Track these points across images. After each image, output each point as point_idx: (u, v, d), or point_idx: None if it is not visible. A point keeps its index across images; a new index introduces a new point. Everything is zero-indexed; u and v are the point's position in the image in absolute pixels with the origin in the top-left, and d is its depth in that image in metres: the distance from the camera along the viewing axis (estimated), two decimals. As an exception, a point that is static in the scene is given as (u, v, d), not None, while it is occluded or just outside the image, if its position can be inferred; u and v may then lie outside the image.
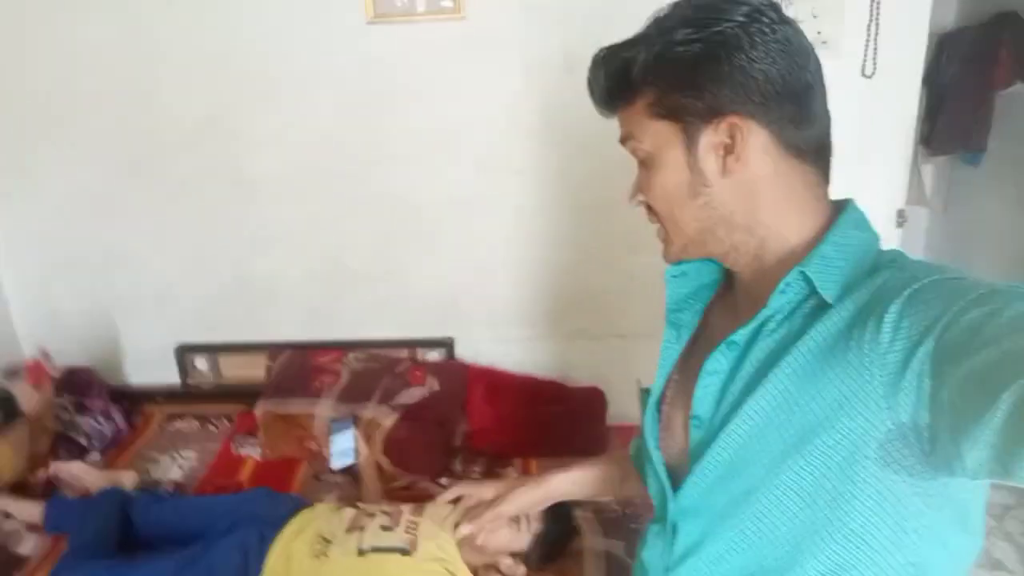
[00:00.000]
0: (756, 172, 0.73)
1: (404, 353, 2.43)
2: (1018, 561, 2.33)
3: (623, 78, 0.76)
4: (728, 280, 0.88)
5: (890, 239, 2.23)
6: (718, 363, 0.77)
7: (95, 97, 2.22)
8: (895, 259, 0.73)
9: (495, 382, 2.34)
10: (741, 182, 0.74)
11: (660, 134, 0.75)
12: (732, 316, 0.82)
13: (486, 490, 1.23)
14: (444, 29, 2.11)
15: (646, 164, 0.78)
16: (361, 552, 1.65)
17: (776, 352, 0.72)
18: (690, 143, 0.74)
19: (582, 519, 1.87)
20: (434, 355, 2.44)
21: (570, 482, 1.17)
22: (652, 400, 0.89)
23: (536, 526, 1.69)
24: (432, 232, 2.33)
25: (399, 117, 2.20)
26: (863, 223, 0.77)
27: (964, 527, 0.70)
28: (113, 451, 2.28)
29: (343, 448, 2.13)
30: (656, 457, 0.86)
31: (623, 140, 0.79)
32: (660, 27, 0.74)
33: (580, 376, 2.37)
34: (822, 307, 0.70)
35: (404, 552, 1.64)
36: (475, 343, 2.42)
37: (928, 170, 3.71)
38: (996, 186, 3.30)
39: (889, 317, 0.62)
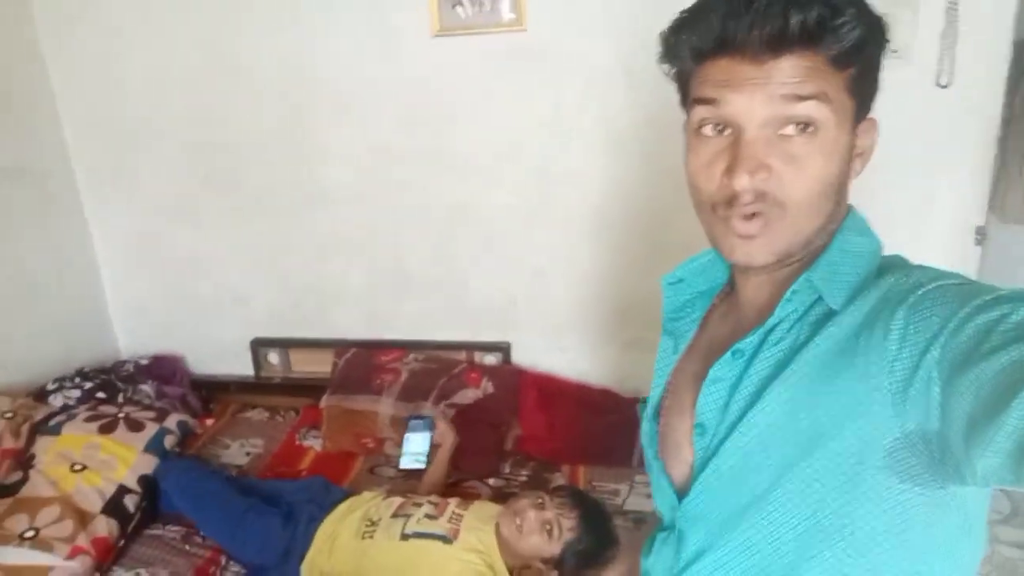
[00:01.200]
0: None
1: (462, 355, 2.49)
2: None
3: (855, 27, 0.63)
4: (729, 286, 0.86)
5: (968, 258, 2.11)
6: (724, 371, 0.75)
7: (183, 115, 2.40)
8: (897, 264, 0.71)
9: (548, 388, 2.36)
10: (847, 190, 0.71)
11: (846, 112, 0.66)
12: (733, 323, 0.81)
13: None
14: (506, 41, 2.16)
15: (812, 138, 0.65)
16: (404, 536, 1.73)
17: (783, 360, 0.70)
18: (853, 134, 0.69)
19: (622, 528, 1.86)
20: (491, 359, 2.49)
21: None
22: (650, 410, 0.88)
23: (568, 535, 1.70)
24: (491, 238, 2.38)
25: (461, 127, 2.27)
26: (865, 228, 0.75)
27: (968, 534, 0.69)
28: (189, 437, 2.43)
29: (416, 450, 2.19)
30: (657, 467, 0.85)
31: (809, 96, 0.64)
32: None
33: (633, 386, 2.36)
34: (828, 315, 0.68)
35: (445, 540, 1.71)
36: (531, 349, 2.46)
37: (1034, 186, 3.46)
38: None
39: (895, 324, 0.60)
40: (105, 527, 1.89)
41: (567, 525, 1.71)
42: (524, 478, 2.18)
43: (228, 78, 2.33)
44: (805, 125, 0.65)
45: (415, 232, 2.41)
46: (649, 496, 2.08)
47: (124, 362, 2.57)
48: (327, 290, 2.53)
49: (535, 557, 1.72)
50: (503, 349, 2.46)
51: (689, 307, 0.88)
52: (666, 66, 0.75)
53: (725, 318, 0.84)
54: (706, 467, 0.75)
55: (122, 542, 1.92)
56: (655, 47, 2.25)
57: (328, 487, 2.05)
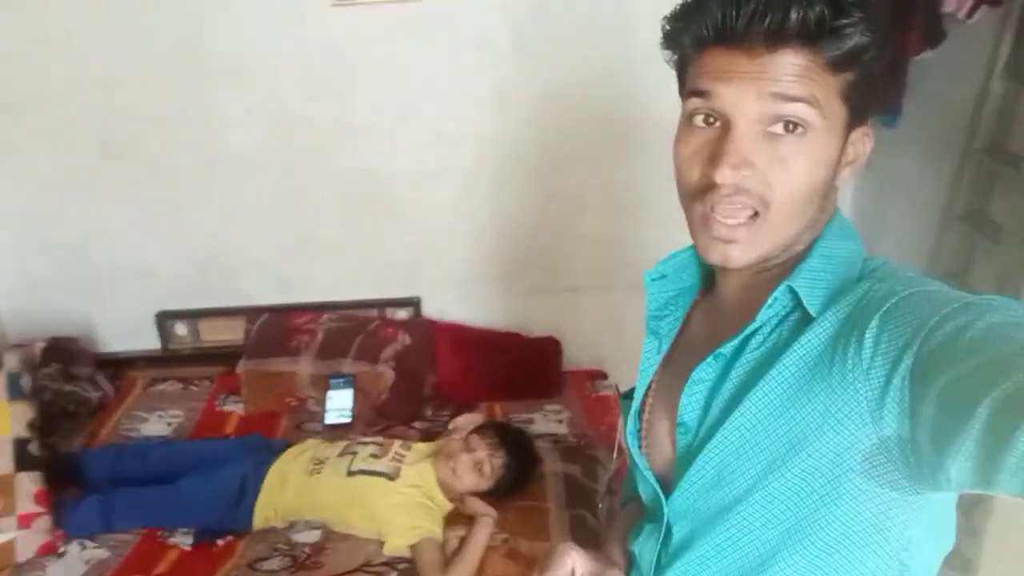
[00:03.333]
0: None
1: (375, 313, 2.62)
2: None
3: (857, 31, 0.63)
4: (708, 283, 0.86)
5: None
6: (705, 373, 0.76)
7: (67, 82, 2.31)
8: (877, 269, 0.72)
9: (460, 336, 2.55)
10: (834, 194, 0.71)
11: (838, 118, 0.67)
12: (715, 322, 0.82)
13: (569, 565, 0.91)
14: (402, 10, 2.26)
15: (801, 141, 0.66)
16: (351, 473, 1.89)
17: (762, 364, 0.71)
18: (845, 141, 0.69)
19: (542, 449, 2.11)
20: (402, 314, 2.63)
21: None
22: (634, 407, 0.87)
23: (500, 471, 1.91)
24: (395, 200, 2.50)
25: (361, 94, 2.37)
26: (849, 233, 0.75)
27: (940, 533, 0.73)
28: (102, 415, 2.42)
29: (340, 406, 2.34)
30: (642, 462, 0.85)
31: (798, 99, 0.64)
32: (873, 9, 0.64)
33: (537, 328, 2.60)
34: (807, 320, 0.69)
35: (388, 477, 1.88)
36: (440, 301, 2.63)
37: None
38: (910, 147, 3.59)
39: (870, 332, 0.61)
40: (34, 480, 1.87)
41: (497, 463, 1.91)
42: (446, 419, 2.37)
43: (116, 42, 2.27)
44: (795, 125, 0.65)
45: (320, 196, 2.49)
46: (559, 420, 2.35)
47: (18, 347, 2.47)
48: (234, 257, 2.56)
49: (472, 492, 1.92)
50: (414, 303, 2.62)
51: (672, 305, 0.87)
52: (666, 53, 0.74)
53: (707, 316, 0.86)
54: (690, 466, 0.76)
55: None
56: (543, 16, 2.46)
57: (268, 441, 2.15)
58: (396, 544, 1.78)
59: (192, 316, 2.63)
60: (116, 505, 1.92)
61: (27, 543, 1.80)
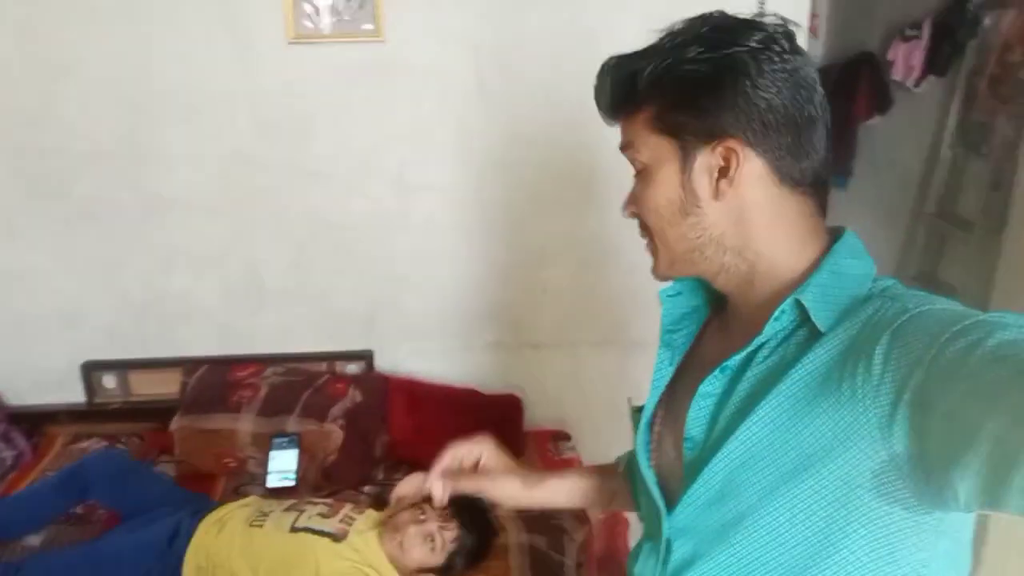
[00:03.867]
0: (748, 198, 0.73)
1: (323, 366, 2.46)
2: None
3: (629, 88, 0.76)
4: (722, 302, 0.88)
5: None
6: (711, 387, 0.77)
7: (-5, 114, 2.15)
8: (887, 288, 0.72)
9: (415, 392, 2.41)
10: (733, 206, 0.74)
11: (658, 148, 0.76)
12: (725, 339, 0.83)
13: (482, 448, 1.09)
14: (364, 51, 2.18)
15: (642, 176, 0.79)
16: (294, 529, 1.76)
17: (768, 379, 0.72)
18: (686, 162, 0.74)
19: (504, 519, 1.97)
20: (353, 368, 2.48)
21: (565, 490, 1.11)
22: (644, 420, 0.88)
23: (452, 546, 1.76)
24: (350, 248, 2.38)
25: (318, 135, 2.26)
26: (859, 252, 0.76)
27: (954, 562, 0.71)
28: (14, 475, 2.19)
29: (284, 468, 2.16)
30: (649, 476, 0.86)
31: (623, 147, 0.79)
32: (672, 42, 0.73)
33: (496, 384, 2.48)
34: (815, 336, 0.70)
35: (334, 539, 1.74)
36: (394, 355, 2.49)
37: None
38: (860, 205, 3.68)
39: (880, 349, 0.62)
40: None
41: (449, 536, 1.76)
42: (399, 481, 2.21)
43: (51, 74, 2.13)
44: (637, 170, 0.80)
45: (270, 242, 2.35)
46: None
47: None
48: (173, 306, 2.38)
49: (421, 569, 1.77)
50: (366, 357, 2.47)
51: (687, 320, 0.90)
52: None
53: (718, 332, 0.87)
54: (695, 481, 0.76)
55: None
56: (508, 64, 2.41)
57: (206, 498, 1.99)
58: None
59: (122, 367, 2.43)
60: (23, 571, 1.71)
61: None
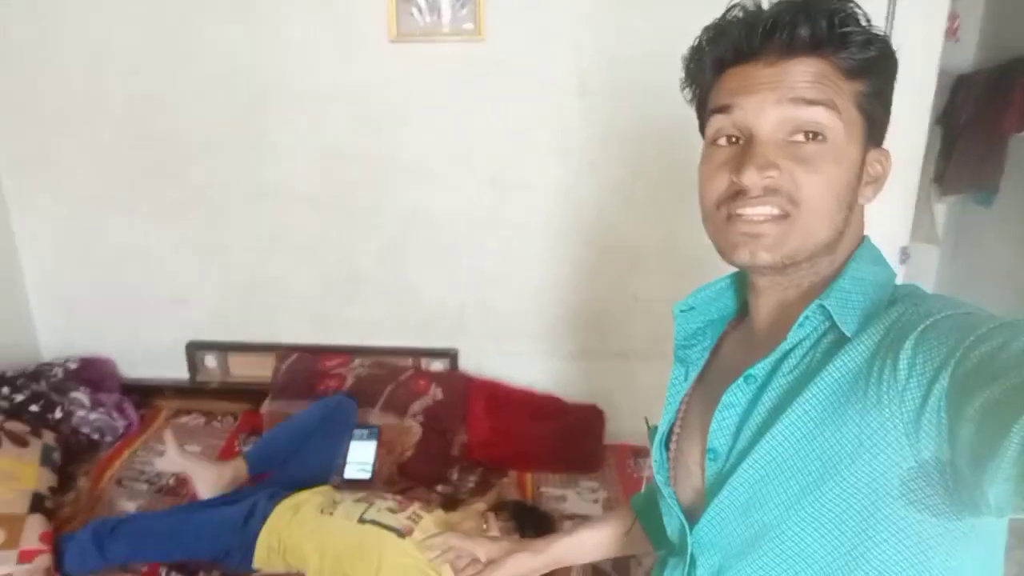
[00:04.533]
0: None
1: (409, 362, 2.48)
2: None
3: (864, 41, 0.67)
4: (741, 314, 0.87)
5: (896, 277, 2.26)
6: (736, 397, 0.74)
7: (120, 100, 2.30)
8: (910, 293, 0.71)
9: (496, 395, 2.38)
10: (861, 212, 0.74)
11: (854, 126, 0.69)
12: (747, 350, 0.81)
13: (479, 548, 1.09)
14: (463, 50, 2.17)
15: (820, 147, 0.68)
16: (362, 520, 1.78)
17: (795, 387, 0.70)
18: (865, 155, 0.71)
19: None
20: (438, 365, 2.48)
21: (575, 547, 1.10)
22: (659, 437, 0.87)
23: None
24: (442, 245, 2.38)
25: (416, 132, 2.27)
26: (879, 259, 0.76)
27: (986, 569, 0.69)
28: (120, 443, 2.33)
29: (362, 459, 2.19)
30: (668, 492, 0.84)
31: (811, 102, 0.67)
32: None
33: (579, 393, 2.40)
34: (840, 341, 0.68)
35: (399, 534, 1.73)
36: (478, 356, 2.47)
37: (940, 209, 3.73)
38: (1006, 227, 3.32)
39: (905, 354, 0.61)
40: (42, 523, 1.83)
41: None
42: (472, 484, 2.19)
43: (172, 64, 2.25)
44: (815, 134, 0.67)
45: (365, 235, 2.39)
46: (595, 500, 2.15)
47: (50, 365, 2.42)
48: (271, 292, 2.47)
49: None
50: (451, 355, 2.46)
51: (700, 335, 0.87)
52: (687, 92, 0.78)
53: (738, 345, 0.85)
54: (718, 494, 0.74)
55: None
56: (608, 64, 2.32)
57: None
58: None
59: (222, 349, 2.55)
60: (113, 531, 1.82)
61: (25, 579, 1.71)
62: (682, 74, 0.78)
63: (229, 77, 2.25)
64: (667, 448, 0.86)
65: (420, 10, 2.14)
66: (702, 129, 0.76)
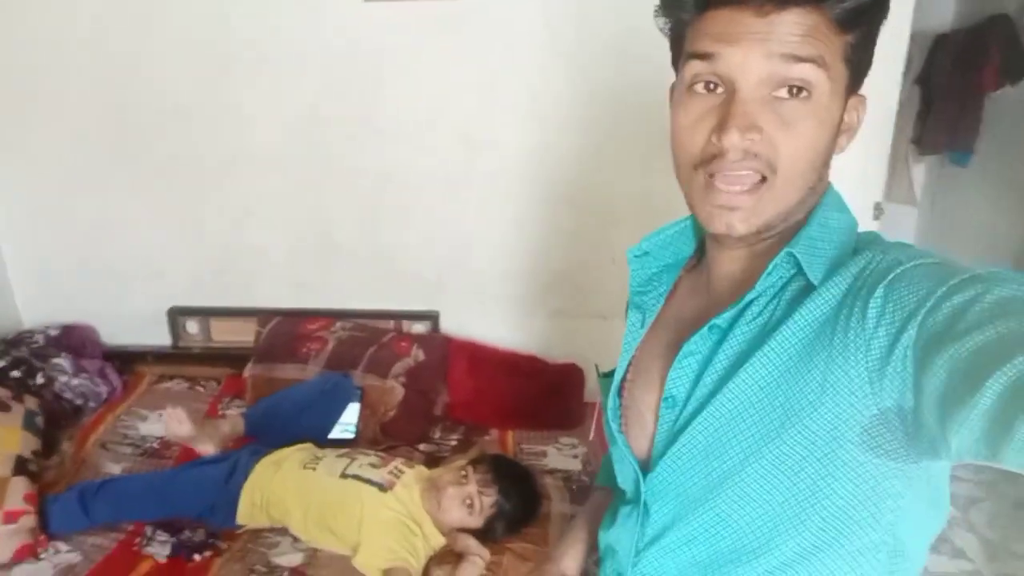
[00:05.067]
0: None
1: (391, 324, 2.50)
2: (980, 551, 2.42)
3: None
4: (694, 258, 0.86)
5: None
6: (698, 345, 0.74)
7: (86, 73, 2.27)
8: (873, 240, 0.71)
9: (476, 355, 2.41)
10: (830, 164, 0.71)
11: (839, 82, 0.66)
12: (704, 297, 0.80)
13: None
14: (436, 8, 2.16)
15: (804, 105, 0.65)
16: (344, 475, 1.80)
17: (759, 335, 0.70)
18: (845, 108, 0.68)
19: (551, 486, 1.94)
20: (419, 328, 2.50)
21: (580, 556, 1.05)
22: (615, 384, 0.86)
23: (490, 511, 1.75)
24: (418, 207, 2.38)
25: (389, 94, 2.26)
26: (843, 205, 0.75)
27: (935, 504, 0.71)
28: (103, 409, 2.35)
29: (345, 420, 2.21)
30: (621, 440, 0.83)
31: (802, 58, 0.63)
32: None
33: (559, 353, 2.43)
34: (806, 290, 0.68)
35: (381, 488, 1.76)
36: (459, 317, 2.49)
37: (919, 170, 3.76)
38: (983, 186, 3.36)
39: (874, 302, 0.61)
40: (26, 485, 1.83)
41: (488, 501, 1.74)
42: (454, 443, 2.22)
43: (140, 31, 2.22)
44: (799, 89, 0.64)
45: (341, 199, 2.39)
46: (574, 456, 2.18)
47: (31, 332, 2.42)
48: (249, 258, 2.47)
49: (460, 528, 1.77)
50: (432, 318, 2.48)
51: (655, 280, 0.86)
52: (660, 20, 0.73)
53: (693, 291, 0.83)
54: (675, 441, 0.74)
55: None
56: (581, 18, 2.30)
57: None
58: (367, 562, 1.65)
59: (204, 314, 2.55)
60: (98, 492, 1.84)
61: (8, 540, 1.72)
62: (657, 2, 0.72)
63: (198, 42, 2.23)
64: (619, 396, 0.85)
65: (392, -32, 2.13)
66: (675, 64, 0.73)
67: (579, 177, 2.30)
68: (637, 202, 2.29)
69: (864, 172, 2.22)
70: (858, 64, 0.67)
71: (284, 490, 1.81)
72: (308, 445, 2.00)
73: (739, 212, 0.68)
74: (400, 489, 1.78)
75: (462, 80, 2.23)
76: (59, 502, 1.84)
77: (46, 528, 1.80)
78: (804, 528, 0.68)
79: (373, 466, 1.85)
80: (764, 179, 0.66)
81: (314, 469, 1.83)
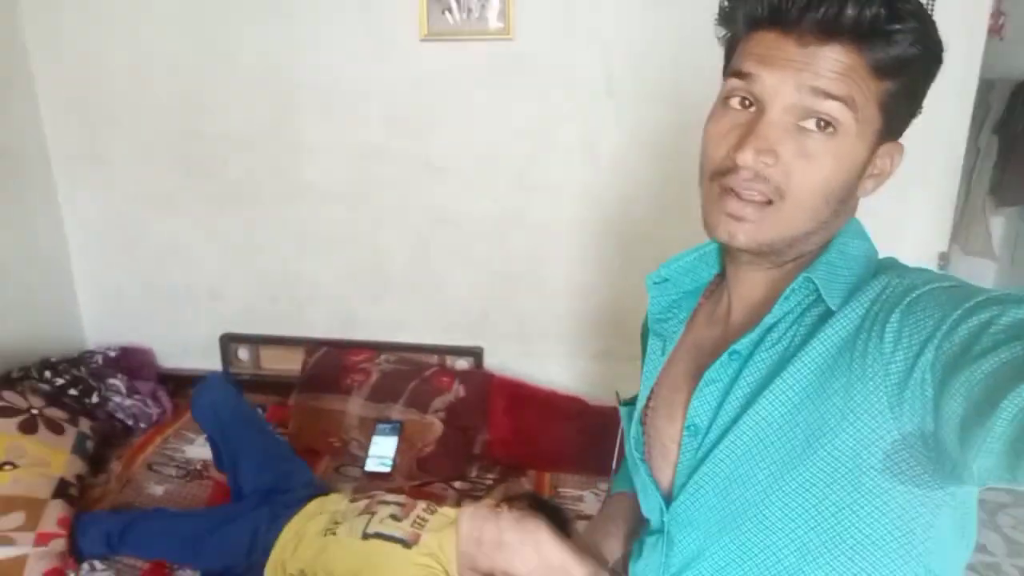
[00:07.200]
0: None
1: (434, 359, 2.49)
2: (1003, 548, 2.44)
3: (910, 40, 0.63)
4: (713, 284, 0.86)
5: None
6: (719, 373, 0.74)
7: (164, 100, 2.38)
8: (892, 265, 0.72)
9: (518, 394, 2.38)
10: (856, 199, 0.72)
11: (869, 124, 0.66)
12: (721, 324, 0.80)
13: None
14: (493, 48, 2.19)
15: (829, 138, 0.65)
16: (365, 536, 1.72)
17: (779, 361, 0.70)
18: (875, 152, 0.68)
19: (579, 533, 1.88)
20: (462, 363, 2.49)
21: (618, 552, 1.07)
22: (637, 413, 0.86)
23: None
24: (469, 244, 2.40)
25: (445, 132, 2.29)
26: (863, 233, 0.75)
27: (963, 533, 0.70)
28: (153, 430, 2.41)
29: (383, 453, 2.21)
30: (644, 469, 0.83)
31: (830, 95, 0.63)
32: (925, 11, 0.64)
33: (602, 395, 2.37)
34: (825, 315, 0.68)
35: (405, 544, 1.70)
36: (503, 355, 2.47)
37: (997, 222, 3.58)
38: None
39: (890, 327, 0.61)
40: (62, 508, 1.87)
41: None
42: (490, 482, 2.19)
43: (213, 66, 2.33)
44: (826, 124, 0.64)
45: (394, 233, 2.42)
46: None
47: (92, 353, 2.52)
48: (302, 287, 2.52)
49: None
50: (475, 354, 2.47)
51: (675, 307, 0.87)
52: (719, 29, 0.74)
53: (712, 318, 0.83)
54: (698, 470, 0.73)
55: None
56: (638, 63, 2.28)
57: (297, 464, 2.04)
58: None
59: (255, 342, 2.60)
60: (123, 535, 1.85)
61: (38, 562, 1.76)
62: (717, 11, 0.74)
63: (264, 77, 2.31)
64: (642, 424, 0.85)
65: (450, 9, 2.17)
66: (724, 73, 0.74)
67: (629, 220, 2.27)
68: (683, 245, 2.24)
69: (929, 221, 2.12)
70: (896, 111, 0.66)
71: (308, 564, 1.74)
72: (328, 506, 1.90)
73: (744, 224, 0.68)
74: (427, 538, 1.73)
75: (518, 121, 2.25)
76: (87, 536, 1.85)
77: (73, 550, 1.83)
78: (833, 559, 0.66)
79: (394, 518, 1.77)
80: (770, 202, 0.67)
81: (335, 534, 1.76)
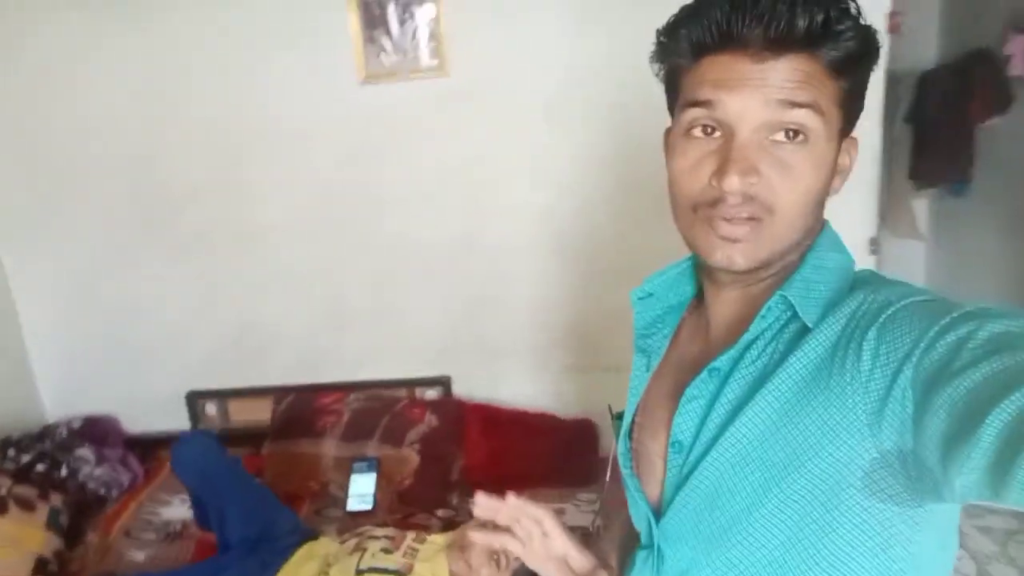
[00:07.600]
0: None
1: (403, 392, 2.53)
2: None
3: (857, 37, 0.64)
4: (698, 298, 0.85)
5: (866, 266, 2.32)
6: (699, 390, 0.74)
7: (108, 159, 2.40)
8: (869, 280, 0.71)
9: (490, 417, 2.42)
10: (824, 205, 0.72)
11: (832, 125, 0.67)
12: (702, 340, 0.80)
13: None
14: (432, 85, 2.27)
15: (801, 148, 0.66)
16: (359, 572, 1.73)
17: (759, 378, 0.70)
18: (839, 151, 0.70)
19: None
20: (432, 393, 2.53)
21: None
22: (624, 428, 0.86)
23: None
24: (428, 273, 2.45)
25: (392, 166, 2.36)
26: (839, 244, 0.75)
27: (943, 546, 0.70)
28: (127, 496, 2.38)
29: (362, 491, 2.23)
30: (633, 484, 0.83)
31: (797, 103, 0.64)
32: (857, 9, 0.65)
33: (573, 409, 2.44)
34: (802, 332, 0.68)
35: (400, 575, 1.72)
36: (471, 380, 2.52)
37: (920, 205, 3.79)
38: (983, 215, 3.37)
39: (867, 344, 0.61)
40: None
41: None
42: (472, 507, 2.21)
43: (160, 119, 2.36)
44: (796, 133, 0.65)
45: (352, 269, 2.47)
46: (593, 512, 2.16)
47: (55, 426, 2.48)
48: (265, 331, 2.54)
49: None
50: (444, 383, 2.51)
51: (660, 323, 0.86)
52: (656, 66, 0.74)
53: (694, 334, 0.83)
54: (684, 486, 0.74)
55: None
56: (574, 87, 2.38)
57: (281, 510, 2.04)
58: None
59: (222, 396, 2.60)
60: None
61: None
62: (652, 48, 0.73)
63: (210, 128, 2.35)
64: (630, 439, 0.86)
65: (385, 51, 2.25)
66: (671, 108, 0.74)
67: (584, 236, 2.36)
68: (640, 255, 2.32)
69: (856, 208, 2.26)
70: (851, 108, 0.68)
71: None
72: (312, 548, 1.90)
73: (740, 245, 0.68)
74: (419, 567, 1.76)
75: (465, 149, 2.33)
76: None
77: None
78: (812, 573, 0.67)
79: (386, 552, 1.78)
80: (759, 219, 0.67)
81: (327, 574, 1.76)
